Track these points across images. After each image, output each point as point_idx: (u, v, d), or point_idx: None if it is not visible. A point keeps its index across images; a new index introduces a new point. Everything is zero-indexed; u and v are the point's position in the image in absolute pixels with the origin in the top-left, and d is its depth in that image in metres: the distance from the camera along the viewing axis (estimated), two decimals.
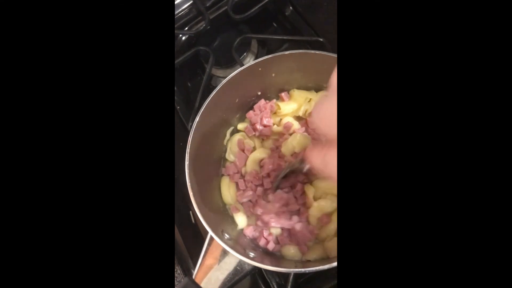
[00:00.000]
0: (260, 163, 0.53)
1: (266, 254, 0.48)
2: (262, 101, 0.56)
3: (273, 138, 0.55)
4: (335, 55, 0.47)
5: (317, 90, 0.56)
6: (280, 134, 0.54)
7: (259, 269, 0.42)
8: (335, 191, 0.49)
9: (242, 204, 0.52)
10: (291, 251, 0.49)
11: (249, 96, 0.56)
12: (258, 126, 0.54)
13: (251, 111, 0.56)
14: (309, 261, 0.48)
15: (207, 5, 0.69)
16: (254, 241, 0.50)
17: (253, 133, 0.55)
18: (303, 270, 0.41)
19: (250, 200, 0.52)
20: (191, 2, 0.70)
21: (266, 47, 0.69)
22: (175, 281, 0.54)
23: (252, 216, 0.51)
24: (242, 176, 0.54)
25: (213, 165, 0.55)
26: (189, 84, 0.70)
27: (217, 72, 0.67)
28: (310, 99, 0.55)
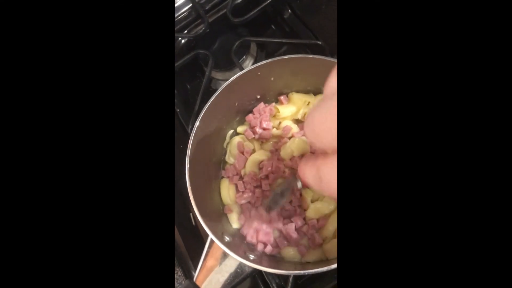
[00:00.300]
0: (259, 165, 0.54)
1: (266, 256, 0.49)
2: (262, 105, 0.56)
3: (272, 141, 0.56)
4: (333, 59, 0.48)
5: (316, 93, 0.57)
6: (280, 137, 0.55)
7: (259, 271, 0.43)
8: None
9: (241, 205, 0.53)
10: (290, 252, 0.49)
11: (248, 99, 0.56)
12: (258, 129, 0.55)
13: (250, 114, 0.57)
14: (308, 262, 0.48)
15: (206, 8, 0.69)
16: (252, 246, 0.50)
17: (253, 136, 0.55)
18: (302, 272, 0.41)
19: (249, 202, 0.52)
20: (190, 5, 0.70)
21: (265, 50, 0.70)
22: (176, 283, 0.54)
23: (249, 219, 0.52)
24: (241, 178, 0.54)
25: (213, 168, 0.55)
26: (188, 87, 0.70)
27: (217, 75, 0.67)
28: (309, 102, 0.56)
